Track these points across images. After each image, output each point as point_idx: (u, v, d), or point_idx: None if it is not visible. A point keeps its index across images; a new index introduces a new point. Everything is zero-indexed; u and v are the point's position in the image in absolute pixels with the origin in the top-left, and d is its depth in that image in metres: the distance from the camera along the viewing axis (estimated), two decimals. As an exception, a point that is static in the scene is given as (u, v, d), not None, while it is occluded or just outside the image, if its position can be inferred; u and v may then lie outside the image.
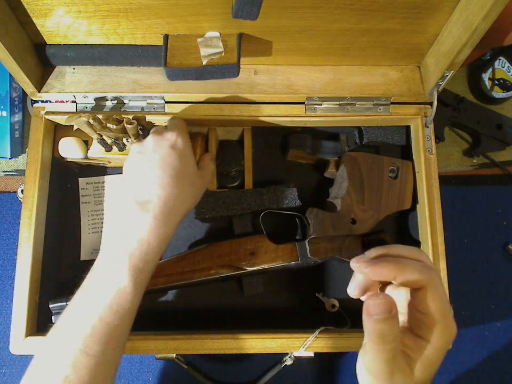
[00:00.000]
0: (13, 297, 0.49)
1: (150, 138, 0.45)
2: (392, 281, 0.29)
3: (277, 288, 0.56)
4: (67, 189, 0.59)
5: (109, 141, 0.54)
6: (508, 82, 0.67)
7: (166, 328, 0.52)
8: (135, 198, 0.41)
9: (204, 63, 0.48)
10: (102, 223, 0.58)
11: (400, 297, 0.32)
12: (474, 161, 0.68)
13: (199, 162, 0.50)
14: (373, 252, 0.31)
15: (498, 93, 0.66)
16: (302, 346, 0.49)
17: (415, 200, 0.55)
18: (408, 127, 0.58)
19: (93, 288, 0.38)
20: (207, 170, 0.50)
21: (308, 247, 0.51)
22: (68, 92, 0.53)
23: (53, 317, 0.50)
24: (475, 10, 0.42)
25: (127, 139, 0.52)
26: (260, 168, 0.58)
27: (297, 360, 0.53)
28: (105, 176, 0.59)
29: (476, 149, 0.66)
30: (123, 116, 0.51)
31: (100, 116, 0.49)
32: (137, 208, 0.40)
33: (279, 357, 0.56)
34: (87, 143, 0.56)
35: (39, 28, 0.48)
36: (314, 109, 0.56)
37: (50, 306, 0.49)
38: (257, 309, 0.56)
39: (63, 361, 0.35)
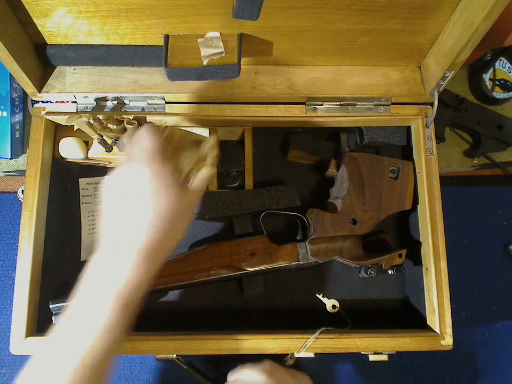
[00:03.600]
0: (13, 297, 0.49)
1: (143, 165, 0.38)
2: None
3: (277, 288, 0.56)
4: (67, 189, 0.59)
5: (109, 141, 0.54)
6: (508, 83, 0.67)
7: (166, 329, 0.52)
8: (120, 233, 0.38)
9: (205, 63, 0.48)
10: (102, 223, 0.58)
11: None
12: (475, 161, 0.68)
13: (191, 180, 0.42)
14: None
15: (499, 94, 0.66)
16: (302, 347, 0.49)
17: (415, 200, 0.55)
18: (408, 128, 0.58)
19: (77, 324, 0.36)
20: (196, 191, 0.42)
21: (308, 247, 0.51)
22: (69, 92, 0.53)
23: (53, 317, 0.50)
24: (476, 10, 0.42)
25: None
26: (260, 168, 0.58)
27: (298, 360, 0.53)
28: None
29: (476, 150, 0.66)
30: (123, 116, 0.51)
31: (101, 116, 0.49)
32: (122, 245, 0.37)
33: (279, 357, 0.56)
34: (87, 144, 0.56)
35: (39, 28, 0.48)
36: (315, 109, 0.56)
37: (50, 306, 0.49)
38: (258, 310, 0.56)
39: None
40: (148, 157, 0.38)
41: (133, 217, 0.38)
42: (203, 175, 0.42)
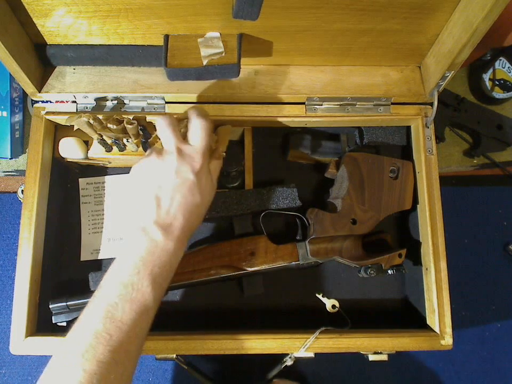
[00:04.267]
0: (13, 297, 0.49)
1: (173, 157, 0.42)
2: None
3: (277, 288, 0.56)
4: (67, 189, 0.59)
5: (109, 141, 0.54)
6: (508, 83, 0.67)
7: (166, 329, 0.52)
8: (155, 222, 0.40)
9: (204, 63, 0.48)
10: (102, 223, 0.58)
11: None
12: (475, 161, 0.68)
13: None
14: None
15: (498, 93, 0.66)
16: (302, 346, 0.49)
17: (415, 200, 0.55)
18: (408, 128, 0.58)
19: (112, 295, 0.38)
20: (216, 177, 0.48)
21: (308, 247, 0.51)
22: (68, 92, 0.53)
23: (53, 317, 0.50)
24: (475, 10, 0.42)
25: (127, 139, 0.52)
26: (260, 168, 0.58)
27: (298, 360, 0.53)
28: (106, 177, 0.59)
29: (476, 149, 0.66)
30: (123, 116, 0.52)
31: (100, 116, 0.49)
32: (158, 233, 0.40)
33: (279, 357, 0.56)
34: (87, 143, 0.56)
35: (39, 28, 0.48)
36: (314, 109, 0.56)
37: (50, 306, 0.49)
38: (258, 309, 0.56)
39: (81, 358, 0.35)
40: (196, 152, 0.43)
41: (172, 209, 0.41)
42: (217, 167, 0.48)
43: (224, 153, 0.51)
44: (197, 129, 0.44)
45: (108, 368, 0.35)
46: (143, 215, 0.41)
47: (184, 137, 0.44)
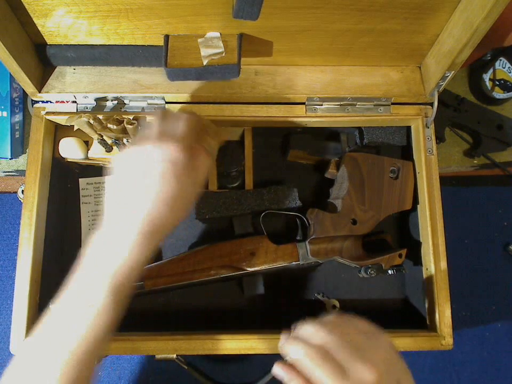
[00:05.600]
0: (13, 298, 0.49)
1: (150, 145, 0.39)
2: None
3: (277, 288, 0.56)
4: (67, 189, 0.59)
5: (109, 141, 0.54)
6: (508, 83, 0.67)
7: (166, 329, 0.52)
8: (123, 209, 0.38)
9: (204, 63, 0.48)
10: (102, 223, 0.58)
11: None
12: (475, 161, 0.68)
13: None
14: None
15: (498, 94, 0.66)
16: (302, 346, 0.49)
17: (415, 200, 0.55)
18: (408, 128, 0.58)
19: (71, 308, 0.37)
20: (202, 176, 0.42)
21: (308, 247, 0.51)
22: (69, 92, 0.53)
23: (53, 317, 0.49)
24: (476, 10, 0.42)
25: (127, 139, 0.52)
26: (260, 168, 0.58)
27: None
28: (106, 177, 0.59)
29: (476, 150, 0.66)
30: (123, 116, 0.52)
31: (100, 116, 0.49)
32: (122, 222, 0.37)
33: (279, 357, 0.56)
34: (87, 144, 0.56)
35: (39, 28, 0.48)
36: (314, 110, 0.56)
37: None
38: (258, 310, 0.56)
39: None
40: (175, 141, 0.38)
41: (139, 195, 0.38)
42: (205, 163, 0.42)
43: (216, 152, 0.48)
44: (178, 121, 0.41)
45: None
46: (107, 204, 0.39)
47: None
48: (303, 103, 0.55)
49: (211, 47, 0.48)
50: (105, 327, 0.36)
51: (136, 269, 0.37)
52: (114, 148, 0.55)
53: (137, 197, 0.38)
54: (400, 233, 0.59)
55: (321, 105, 0.56)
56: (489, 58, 0.67)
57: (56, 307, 0.37)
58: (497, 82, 0.67)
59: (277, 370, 0.39)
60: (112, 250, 0.37)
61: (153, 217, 0.37)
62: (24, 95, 0.64)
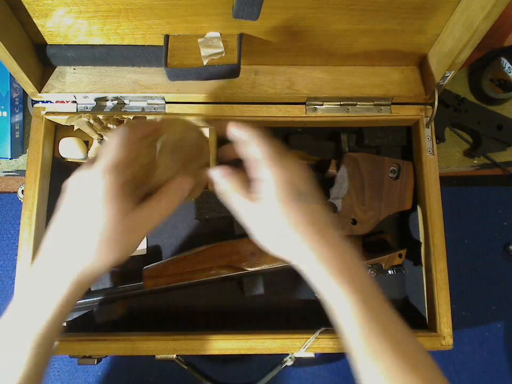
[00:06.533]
0: (13, 297, 0.49)
1: (69, 180, 0.35)
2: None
3: (277, 288, 0.56)
4: (67, 189, 0.59)
5: (109, 141, 0.54)
6: (508, 83, 0.67)
7: (166, 329, 0.52)
8: (48, 254, 0.35)
9: (205, 63, 0.48)
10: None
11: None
12: (475, 161, 0.68)
13: (154, 194, 0.36)
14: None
15: (498, 94, 0.66)
16: (302, 347, 0.49)
17: (415, 200, 0.55)
18: (409, 128, 0.58)
19: None
20: (155, 209, 0.36)
21: (308, 247, 0.51)
22: (69, 92, 0.53)
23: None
24: (476, 10, 0.42)
25: (127, 139, 0.52)
26: (260, 168, 0.58)
27: (298, 360, 0.53)
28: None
29: (476, 150, 0.66)
30: (123, 116, 0.52)
31: (101, 116, 0.49)
32: (46, 270, 0.34)
33: (279, 357, 0.56)
34: (87, 144, 0.56)
35: (39, 28, 0.48)
36: (315, 110, 0.56)
37: None
38: (258, 310, 0.56)
39: None
40: (94, 171, 0.33)
41: (61, 238, 0.34)
42: (168, 189, 0.37)
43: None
44: (106, 146, 0.35)
45: None
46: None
47: None
48: (303, 103, 0.55)
49: (211, 47, 0.48)
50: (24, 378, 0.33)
51: (58, 321, 0.34)
52: (114, 148, 0.55)
53: (56, 238, 0.35)
54: (400, 233, 0.59)
55: (321, 105, 0.56)
56: (489, 58, 0.67)
57: None
58: (497, 82, 0.67)
59: (214, 172, 0.39)
60: (31, 305, 0.34)
61: (71, 262, 0.34)
62: (24, 95, 0.64)
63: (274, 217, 0.36)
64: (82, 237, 0.34)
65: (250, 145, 0.38)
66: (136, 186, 0.35)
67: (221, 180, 0.38)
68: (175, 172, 0.37)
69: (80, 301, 0.49)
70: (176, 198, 0.37)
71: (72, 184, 0.35)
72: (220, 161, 0.44)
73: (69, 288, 0.33)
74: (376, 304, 0.36)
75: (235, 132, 0.40)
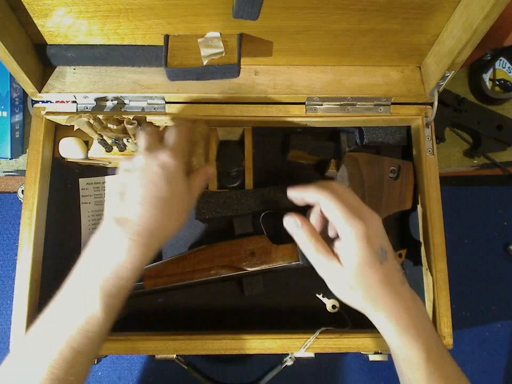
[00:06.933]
0: (13, 297, 0.49)
1: (140, 156, 0.41)
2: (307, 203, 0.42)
3: (277, 288, 0.56)
4: (67, 189, 0.59)
5: (109, 141, 0.54)
6: (508, 83, 0.67)
7: (166, 328, 0.52)
8: (113, 216, 0.38)
9: (205, 63, 0.48)
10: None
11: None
12: (475, 161, 0.68)
13: (190, 177, 0.44)
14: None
15: (498, 94, 0.66)
16: (302, 347, 0.49)
17: (415, 200, 0.55)
18: (408, 128, 0.58)
19: (63, 310, 0.37)
20: (195, 189, 0.44)
21: (308, 247, 0.51)
22: (69, 92, 0.53)
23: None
24: (475, 10, 0.42)
25: (127, 139, 0.53)
26: (260, 168, 0.58)
27: (298, 360, 0.53)
28: (106, 177, 0.59)
29: (476, 150, 0.66)
30: (123, 116, 0.52)
31: (101, 116, 0.49)
32: (114, 228, 0.37)
33: (279, 357, 0.56)
34: (87, 144, 0.56)
35: (39, 28, 0.48)
36: (314, 109, 0.56)
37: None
38: (258, 310, 0.56)
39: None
40: (165, 149, 0.41)
41: (130, 201, 0.39)
42: (202, 174, 0.45)
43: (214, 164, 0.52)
44: (170, 133, 0.43)
45: None
46: (104, 215, 0.39)
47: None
48: (303, 103, 0.55)
49: (211, 47, 0.48)
50: (95, 332, 0.36)
51: (125, 278, 0.37)
52: (114, 147, 0.55)
53: (129, 204, 0.38)
54: (400, 233, 0.59)
55: (321, 105, 0.56)
56: (489, 58, 0.67)
57: (49, 309, 0.37)
58: (497, 82, 0.67)
59: (287, 219, 0.41)
60: (104, 256, 0.38)
61: (144, 222, 0.38)
62: (24, 95, 0.65)
63: (352, 279, 0.39)
64: (152, 202, 0.38)
65: (323, 206, 0.40)
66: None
67: (297, 231, 0.41)
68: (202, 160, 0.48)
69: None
70: (205, 180, 0.46)
71: (142, 163, 0.40)
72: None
73: (136, 243, 0.37)
74: (439, 354, 0.40)
75: (297, 196, 0.42)
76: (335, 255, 0.40)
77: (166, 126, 0.51)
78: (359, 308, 0.41)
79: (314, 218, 0.42)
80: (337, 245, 0.40)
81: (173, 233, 0.41)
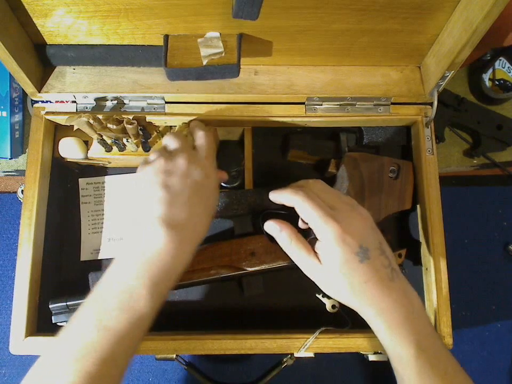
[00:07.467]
0: (13, 297, 0.49)
1: (182, 160, 0.42)
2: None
3: (277, 288, 0.56)
4: (67, 189, 0.59)
5: (109, 141, 0.54)
6: (508, 83, 0.67)
7: (166, 329, 0.52)
8: (164, 218, 0.39)
9: (204, 63, 0.48)
10: (102, 223, 0.58)
11: None
12: (475, 161, 0.68)
13: None
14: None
15: (498, 94, 0.66)
16: (302, 346, 0.49)
17: (415, 200, 0.55)
18: (408, 128, 0.58)
19: (108, 300, 0.37)
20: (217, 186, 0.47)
21: (308, 247, 0.51)
22: (68, 92, 0.53)
23: (53, 317, 0.50)
24: (475, 10, 0.42)
25: (127, 139, 0.53)
26: (260, 168, 0.58)
27: (298, 360, 0.53)
28: (106, 177, 0.59)
29: (476, 150, 0.66)
30: (123, 116, 0.52)
31: (100, 116, 0.49)
32: (165, 230, 0.38)
33: (279, 357, 0.56)
34: (87, 143, 0.56)
35: (39, 28, 0.48)
36: (314, 109, 0.56)
37: (50, 306, 0.49)
38: (257, 309, 0.56)
39: (69, 368, 0.34)
40: (209, 162, 0.44)
41: (176, 208, 0.40)
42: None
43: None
44: (202, 139, 0.45)
45: (96, 381, 0.34)
46: (148, 213, 0.39)
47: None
48: (303, 103, 0.55)
49: (211, 47, 0.48)
50: (139, 323, 0.37)
51: (171, 267, 0.38)
52: (114, 147, 0.55)
53: (178, 208, 0.40)
54: (400, 233, 0.59)
55: (321, 105, 0.56)
56: (489, 58, 0.67)
57: (92, 295, 0.38)
58: (497, 82, 0.67)
59: (268, 224, 0.44)
60: (146, 246, 0.38)
61: (191, 227, 0.40)
62: (24, 95, 0.64)
63: (334, 278, 0.40)
64: (202, 212, 0.42)
65: (297, 209, 0.41)
66: None
67: (278, 234, 0.43)
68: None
69: (80, 301, 0.49)
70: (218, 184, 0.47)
71: (185, 168, 0.42)
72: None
73: (185, 251, 0.40)
74: (433, 350, 0.39)
75: (276, 199, 0.44)
76: (318, 255, 0.41)
77: (189, 125, 0.51)
78: (348, 304, 0.41)
79: (301, 219, 0.44)
80: (318, 246, 0.41)
81: (204, 236, 0.43)
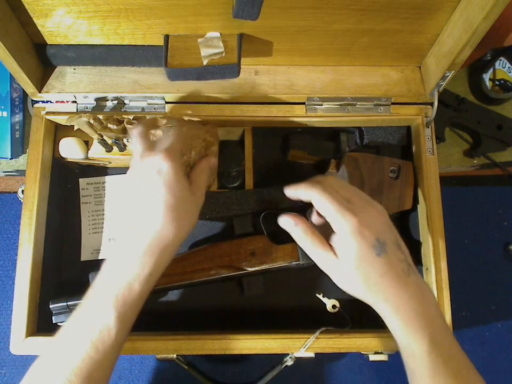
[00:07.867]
0: (13, 298, 0.49)
1: (136, 162, 0.41)
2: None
3: (277, 288, 0.56)
4: (67, 189, 0.59)
5: (109, 141, 0.54)
6: (508, 83, 0.67)
7: (166, 329, 0.52)
8: (126, 229, 0.39)
9: (205, 63, 0.48)
10: (102, 223, 0.58)
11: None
12: (475, 161, 0.68)
13: (191, 174, 0.44)
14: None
15: (498, 94, 0.66)
16: (302, 346, 0.49)
17: (415, 200, 0.55)
18: (408, 128, 0.58)
19: (82, 321, 0.38)
20: (199, 185, 0.44)
21: (308, 247, 0.51)
22: (69, 92, 0.53)
23: (53, 317, 0.50)
24: (476, 10, 0.42)
25: (127, 139, 0.53)
26: (260, 168, 0.58)
27: (298, 360, 0.53)
28: (106, 177, 0.59)
29: (476, 150, 0.66)
30: (124, 116, 0.52)
31: (101, 116, 0.49)
32: (125, 238, 0.39)
33: (279, 357, 0.56)
34: (87, 144, 0.56)
35: (39, 28, 0.48)
36: (314, 109, 0.56)
37: (50, 306, 0.49)
38: (258, 309, 0.56)
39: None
40: (159, 151, 0.40)
41: (132, 212, 0.40)
42: (202, 167, 0.45)
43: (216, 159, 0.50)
44: (164, 134, 0.43)
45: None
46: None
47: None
48: (303, 103, 0.55)
49: (211, 47, 0.48)
50: (109, 345, 0.36)
51: (140, 285, 0.38)
52: (115, 147, 0.55)
53: (135, 214, 0.39)
54: (400, 233, 0.58)
55: (321, 105, 0.56)
56: (489, 58, 0.67)
57: (66, 326, 0.38)
58: (497, 82, 0.67)
59: (283, 219, 0.43)
60: (114, 269, 0.38)
61: (151, 231, 0.38)
62: (24, 95, 0.64)
63: (350, 272, 0.39)
64: (155, 210, 0.38)
65: (314, 203, 0.41)
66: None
67: (293, 229, 0.42)
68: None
69: (80, 301, 0.49)
70: (208, 173, 0.45)
71: (138, 170, 0.40)
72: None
73: (146, 253, 0.38)
74: (446, 347, 0.39)
75: (292, 194, 0.44)
76: (333, 248, 0.40)
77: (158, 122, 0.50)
78: (363, 299, 0.41)
79: (315, 214, 0.43)
80: (334, 239, 0.40)
81: (183, 236, 0.41)
